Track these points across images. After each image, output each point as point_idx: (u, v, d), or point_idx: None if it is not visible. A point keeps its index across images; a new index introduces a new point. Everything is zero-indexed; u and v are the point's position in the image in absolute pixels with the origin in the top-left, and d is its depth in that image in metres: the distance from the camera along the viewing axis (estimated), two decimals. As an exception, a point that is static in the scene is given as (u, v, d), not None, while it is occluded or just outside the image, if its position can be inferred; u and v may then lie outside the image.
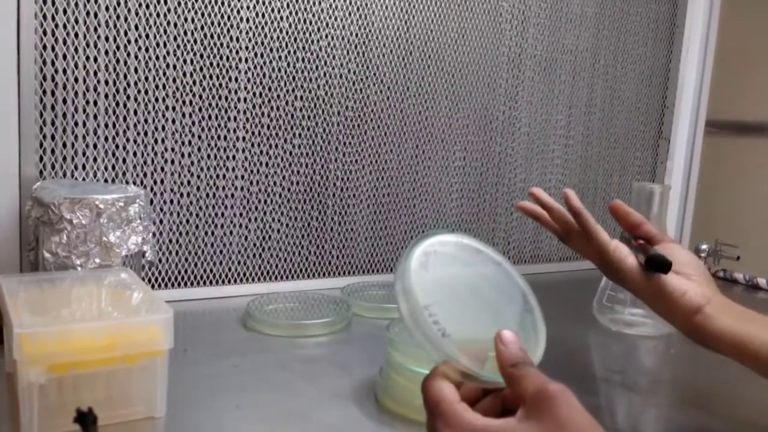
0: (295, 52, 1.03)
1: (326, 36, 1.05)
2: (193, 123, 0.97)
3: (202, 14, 0.96)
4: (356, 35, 1.08)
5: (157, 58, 0.94)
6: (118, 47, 0.91)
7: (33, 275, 0.76)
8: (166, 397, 0.61)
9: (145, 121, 0.94)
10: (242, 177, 1.02)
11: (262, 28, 1.00)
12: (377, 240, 1.16)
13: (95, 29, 0.89)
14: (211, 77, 0.98)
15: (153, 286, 0.97)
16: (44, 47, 0.86)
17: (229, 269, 1.03)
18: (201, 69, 0.97)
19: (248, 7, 0.99)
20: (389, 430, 0.63)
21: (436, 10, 1.15)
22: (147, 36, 0.92)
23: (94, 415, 0.49)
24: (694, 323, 0.62)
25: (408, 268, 0.46)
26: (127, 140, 0.93)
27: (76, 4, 0.87)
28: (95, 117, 0.91)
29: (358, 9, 1.08)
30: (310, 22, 1.04)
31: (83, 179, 0.91)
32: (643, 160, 1.48)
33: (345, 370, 0.76)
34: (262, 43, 1.01)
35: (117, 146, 0.93)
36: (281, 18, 1.01)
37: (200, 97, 0.97)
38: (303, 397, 0.69)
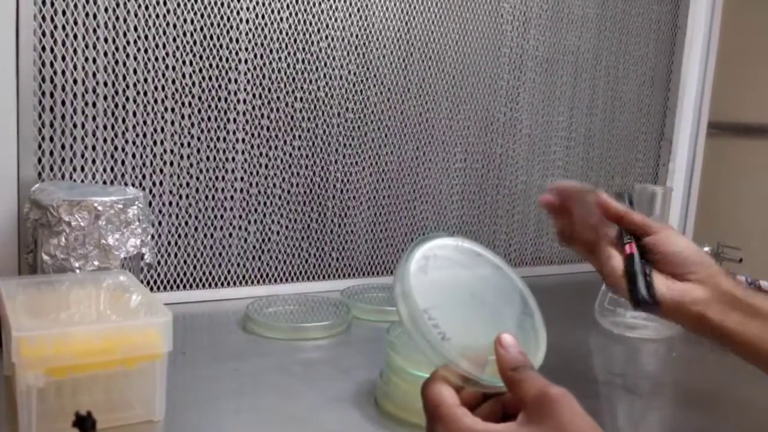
0: (294, 54, 1.03)
1: (326, 37, 1.05)
2: (193, 124, 0.97)
3: (202, 15, 0.95)
4: (356, 36, 1.08)
5: (157, 59, 0.93)
6: (117, 49, 0.91)
7: (31, 278, 0.75)
8: (165, 401, 0.61)
9: (145, 122, 0.94)
10: (242, 179, 1.02)
11: (262, 29, 1.00)
12: (377, 242, 1.15)
13: (94, 30, 0.89)
14: (210, 78, 0.97)
15: (152, 289, 0.97)
16: (43, 49, 0.86)
17: (229, 271, 1.03)
18: (200, 70, 0.96)
19: (248, 9, 0.98)
20: (389, 434, 0.62)
21: (436, 11, 1.14)
22: (146, 37, 0.92)
23: (92, 419, 0.49)
24: (700, 329, 0.61)
25: (407, 272, 0.46)
26: (126, 142, 0.93)
27: (75, 6, 0.87)
28: (94, 118, 0.91)
29: (358, 10, 1.07)
30: (310, 23, 1.03)
31: (82, 181, 0.91)
32: (645, 162, 1.47)
33: (345, 373, 0.76)
34: (262, 45, 1.00)
35: (116, 148, 0.93)
36: (281, 19, 1.01)
37: (200, 98, 0.97)
38: (303, 400, 0.68)
